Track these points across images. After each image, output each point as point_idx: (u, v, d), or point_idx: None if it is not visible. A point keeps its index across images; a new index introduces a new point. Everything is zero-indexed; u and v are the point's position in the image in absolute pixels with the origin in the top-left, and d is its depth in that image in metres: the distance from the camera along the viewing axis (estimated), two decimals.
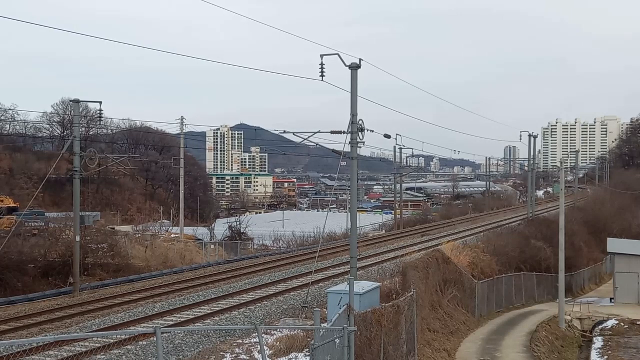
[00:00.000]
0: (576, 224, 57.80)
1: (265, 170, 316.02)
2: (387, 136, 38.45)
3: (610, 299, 41.91)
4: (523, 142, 69.66)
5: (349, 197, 44.48)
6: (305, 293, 26.91)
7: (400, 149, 69.76)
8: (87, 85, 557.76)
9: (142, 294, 30.05)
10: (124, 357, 18.41)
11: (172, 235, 56.69)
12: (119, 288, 32.89)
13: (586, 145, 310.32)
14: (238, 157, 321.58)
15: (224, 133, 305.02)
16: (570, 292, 45.28)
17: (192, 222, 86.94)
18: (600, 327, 34.94)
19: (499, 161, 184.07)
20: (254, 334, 19.18)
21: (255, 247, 62.97)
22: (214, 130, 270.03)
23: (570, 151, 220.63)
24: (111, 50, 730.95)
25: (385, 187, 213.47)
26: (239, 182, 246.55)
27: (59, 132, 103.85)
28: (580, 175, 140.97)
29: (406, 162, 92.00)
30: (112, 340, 19.48)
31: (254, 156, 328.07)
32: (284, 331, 19.70)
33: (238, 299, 27.29)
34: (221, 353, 18.78)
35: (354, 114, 26.45)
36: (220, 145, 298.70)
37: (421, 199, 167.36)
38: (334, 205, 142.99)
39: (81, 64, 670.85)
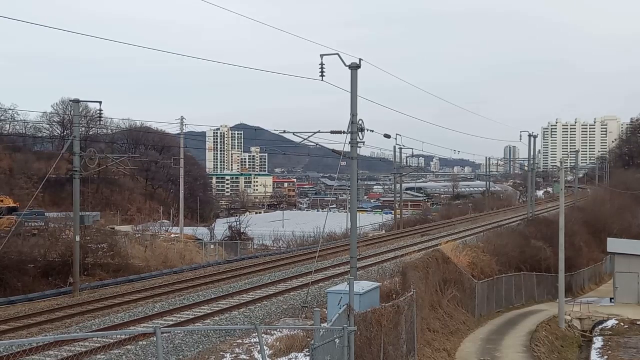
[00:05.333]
0: (576, 224, 57.79)
1: (265, 170, 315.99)
2: (387, 136, 38.45)
3: (610, 299, 41.90)
4: (523, 142, 69.75)
5: (349, 197, 44.46)
6: (305, 293, 26.91)
7: (400, 149, 69.83)
8: (87, 85, 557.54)
9: (142, 294, 30.04)
10: (124, 357, 18.40)
11: (172, 235, 56.71)
12: (119, 288, 32.89)
13: (586, 145, 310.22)
14: (238, 157, 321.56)
15: (224, 133, 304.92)
16: (570, 292, 45.27)
17: (192, 222, 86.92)
18: (600, 327, 34.94)
19: (499, 161, 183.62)
20: (254, 334, 19.17)
21: (255, 247, 62.96)
22: (214, 130, 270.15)
23: (570, 151, 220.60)
24: (111, 50, 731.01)
25: (385, 187, 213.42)
26: (239, 182, 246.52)
27: (59, 132, 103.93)
28: (580, 175, 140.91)
29: (406, 162, 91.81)
30: (112, 340, 19.47)
31: (254, 156, 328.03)
32: (284, 331, 19.71)
33: (238, 299, 27.28)
34: (221, 353, 18.78)
35: (354, 114, 26.45)
36: (220, 145, 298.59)
37: (421, 199, 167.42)
38: (334, 205, 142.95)
39: (81, 64, 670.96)
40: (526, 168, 73.77)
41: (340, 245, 48.74)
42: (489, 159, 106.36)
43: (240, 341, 20.02)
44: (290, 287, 30.18)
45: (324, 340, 13.18)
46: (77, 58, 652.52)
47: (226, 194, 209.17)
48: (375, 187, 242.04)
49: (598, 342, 32.02)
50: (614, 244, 45.18)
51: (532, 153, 66.46)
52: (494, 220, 70.02)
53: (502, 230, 53.78)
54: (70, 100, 58.29)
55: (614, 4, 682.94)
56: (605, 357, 28.97)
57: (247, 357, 18.28)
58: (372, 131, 28.53)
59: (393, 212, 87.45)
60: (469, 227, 62.27)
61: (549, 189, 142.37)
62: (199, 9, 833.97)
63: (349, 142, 26.73)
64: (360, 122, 26.61)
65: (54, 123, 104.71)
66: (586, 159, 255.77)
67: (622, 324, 34.57)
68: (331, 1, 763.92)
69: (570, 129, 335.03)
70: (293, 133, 28.83)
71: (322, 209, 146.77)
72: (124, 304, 27.40)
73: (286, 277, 33.31)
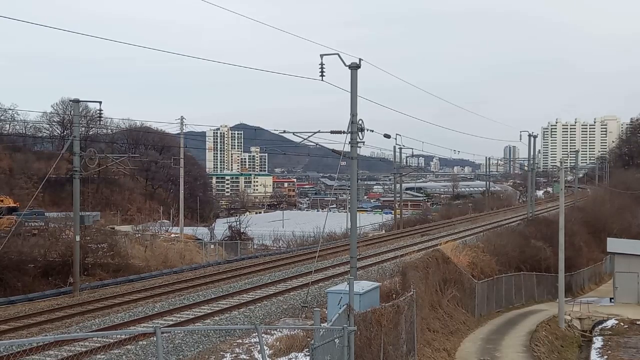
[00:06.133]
0: (576, 224, 57.82)
1: (265, 170, 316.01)
2: (387, 136, 38.46)
3: (610, 299, 41.92)
4: (523, 142, 69.77)
5: (349, 197, 44.47)
6: (305, 293, 26.92)
7: (400, 149, 69.84)
8: (87, 85, 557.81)
9: (142, 294, 30.04)
10: (124, 357, 18.40)
11: (172, 235, 56.70)
12: (119, 288, 32.89)
13: (586, 145, 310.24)
14: (238, 157, 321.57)
15: (224, 133, 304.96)
16: (570, 292, 45.29)
17: (192, 222, 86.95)
18: (600, 327, 34.94)
19: (499, 161, 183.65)
20: (254, 334, 19.18)
21: (255, 247, 62.97)
22: (214, 130, 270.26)
23: (570, 151, 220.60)
24: (111, 50, 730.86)
25: (385, 187, 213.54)
26: (239, 182, 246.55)
27: (59, 132, 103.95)
28: (580, 175, 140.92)
29: (406, 162, 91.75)
30: (112, 340, 19.47)
31: (254, 156, 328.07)
32: (284, 331, 19.70)
33: (238, 299, 27.29)
34: (221, 353, 18.79)
35: (354, 114, 26.45)
36: (220, 145, 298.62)
37: (421, 199, 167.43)
38: (334, 205, 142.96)
39: (81, 64, 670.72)
40: (526, 168, 73.77)
41: (340, 245, 48.74)
42: (489, 159, 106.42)
43: (241, 341, 20.02)
44: (290, 287, 30.18)
45: (324, 340, 13.18)
46: (77, 58, 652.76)
47: (226, 194, 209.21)
48: (375, 187, 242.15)
49: (598, 342, 32.02)
50: (614, 244, 45.19)
51: (532, 153, 66.49)
52: (494, 220, 70.05)
53: (502, 230, 53.81)
54: (70, 100, 58.31)
55: (614, 4, 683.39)
56: (605, 357, 28.97)
57: (247, 357, 18.29)
58: (372, 131, 28.57)
59: (393, 212, 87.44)
60: (469, 227, 62.26)
61: (549, 189, 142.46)
62: (199, 9, 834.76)
63: (349, 142, 26.74)
64: (360, 122, 26.62)
65: (54, 123, 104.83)
66: (586, 159, 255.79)
67: (622, 324, 34.57)
68: (331, 1, 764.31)
69: (570, 129, 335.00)
70: (293, 133, 28.86)
71: (322, 209, 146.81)
72: (124, 304, 27.40)
73: (286, 277, 33.31)
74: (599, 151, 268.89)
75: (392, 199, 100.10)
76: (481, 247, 42.09)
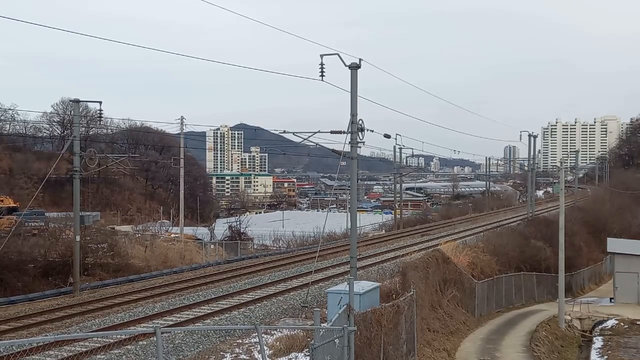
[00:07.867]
0: (576, 224, 57.83)
1: (265, 170, 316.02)
2: (387, 136, 38.45)
3: (610, 299, 41.93)
4: (523, 142, 69.78)
5: (349, 197, 44.50)
6: (305, 293, 26.92)
7: (400, 149, 69.84)
8: (87, 85, 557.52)
9: (142, 294, 30.04)
10: (124, 357, 18.40)
11: (172, 235, 56.70)
12: (119, 288, 32.90)
13: (586, 145, 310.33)
14: (238, 157, 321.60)
15: (224, 133, 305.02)
16: (570, 292, 45.30)
17: (192, 222, 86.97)
18: (600, 327, 34.95)
19: (499, 161, 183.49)
20: (254, 334, 19.18)
21: (255, 247, 62.96)
22: (214, 130, 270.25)
23: (570, 151, 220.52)
24: (111, 50, 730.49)
25: (385, 187, 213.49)
26: (239, 182, 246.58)
27: (59, 132, 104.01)
28: (580, 175, 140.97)
29: (406, 162, 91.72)
30: (112, 340, 19.47)
31: (254, 156, 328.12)
32: (284, 331, 19.71)
33: (238, 299, 27.29)
34: (221, 353, 18.79)
35: (354, 114, 26.45)
36: (220, 145, 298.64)
37: (421, 199, 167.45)
38: (334, 205, 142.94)
39: (81, 64, 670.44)
40: (526, 168, 73.78)
41: (340, 245, 48.73)
42: (489, 159, 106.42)
43: (240, 341, 20.02)
44: (290, 287, 30.18)
45: (324, 340, 13.18)
46: (77, 58, 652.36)
47: (226, 194, 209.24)
48: (375, 187, 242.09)
49: (598, 342, 32.04)
50: (614, 244, 45.21)
51: (532, 153, 66.51)
52: (494, 220, 70.02)
53: (502, 230, 53.79)
54: (70, 100, 58.29)
55: (614, 4, 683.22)
56: (605, 357, 28.98)
57: (247, 357, 18.29)
58: (372, 131, 28.55)
59: (393, 212, 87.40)
60: (469, 227, 62.22)
61: (549, 189, 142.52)
62: (199, 9, 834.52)
63: (349, 142, 26.74)
64: (360, 122, 26.62)
65: (54, 123, 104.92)
66: (586, 159, 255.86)
67: (622, 324, 34.59)
68: (331, 1, 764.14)
69: (570, 129, 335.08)
70: (293, 133, 28.85)
71: (322, 209, 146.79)
72: (124, 304, 27.41)
73: (286, 277, 33.30)
74: (599, 151, 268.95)
75: (392, 199, 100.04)
76: (481, 247, 42.10)
